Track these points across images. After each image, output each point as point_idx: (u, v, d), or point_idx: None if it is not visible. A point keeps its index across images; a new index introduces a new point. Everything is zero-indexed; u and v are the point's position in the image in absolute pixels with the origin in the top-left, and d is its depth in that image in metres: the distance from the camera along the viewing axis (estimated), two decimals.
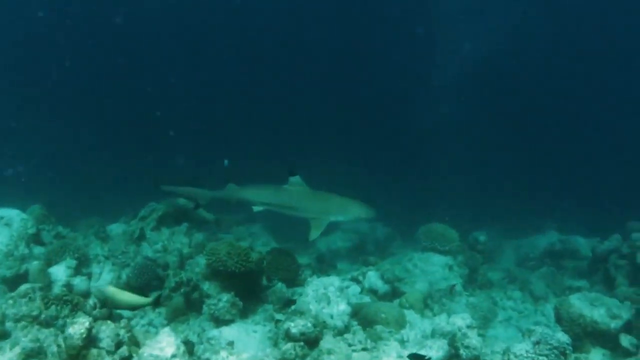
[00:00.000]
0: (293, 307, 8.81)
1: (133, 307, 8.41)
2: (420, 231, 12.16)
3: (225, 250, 9.36)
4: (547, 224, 16.41)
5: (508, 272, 13.51)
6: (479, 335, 9.29)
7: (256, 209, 10.25)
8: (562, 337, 7.38)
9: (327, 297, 8.58)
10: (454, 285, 9.85)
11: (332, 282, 8.87)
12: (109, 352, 7.05)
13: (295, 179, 9.67)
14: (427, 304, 10.39)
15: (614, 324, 8.67)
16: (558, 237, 15.12)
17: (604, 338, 8.73)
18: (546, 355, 7.16)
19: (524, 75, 26.73)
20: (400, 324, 8.78)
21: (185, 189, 10.04)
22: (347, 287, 10.25)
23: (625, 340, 8.43)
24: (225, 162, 16.65)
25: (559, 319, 9.07)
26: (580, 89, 26.80)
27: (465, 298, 10.82)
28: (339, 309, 8.49)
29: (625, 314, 8.74)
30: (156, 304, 8.58)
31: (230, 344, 7.61)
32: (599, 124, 26.42)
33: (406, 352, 7.38)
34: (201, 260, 10.14)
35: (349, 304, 8.74)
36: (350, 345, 7.50)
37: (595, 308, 8.87)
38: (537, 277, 12.71)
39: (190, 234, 12.43)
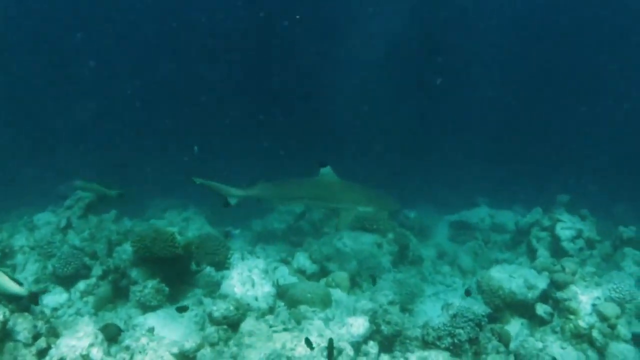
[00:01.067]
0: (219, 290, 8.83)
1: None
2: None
3: (151, 237, 9.25)
4: (479, 199, 16.80)
5: (439, 248, 13.80)
6: (406, 310, 9.61)
7: (289, 203, 10.09)
8: (478, 310, 7.64)
9: (251, 279, 8.63)
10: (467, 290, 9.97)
11: (257, 264, 8.93)
12: (25, 345, 6.93)
13: (326, 170, 9.47)
14: (356, 281, 10.57)
15: (530, 294, 8.99)
16: (488, 212, 15.54)
17: (522, 308, 9.04)
18: (462, 327, 7.40)
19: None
20: (326, 302, 8.88)
21: (217, 185, 9.76)
22: (276, 268, 10.35)
23: (541, 309, 8.74)
24: (195, 148, 16.60)
25: (480, 292, 9.32)
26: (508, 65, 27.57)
27: (392, 274, 11.02)
28: (264, 290, 8.56)
29: (542, 284, 9.06)
30: (32, 297, 7.99)
31: (151, 330, 7.59)
32: (527, 95, 27.26)
33: (328, 331, 7.50)
34: (129, 248, 10.00)
35: (274, 285, 8.80)
36: (271, 326, 7.57)
37: (513, 280, 9.16)
38: (465, 251, 13.04)
39: (120, 220, 12.32)
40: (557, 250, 11.56)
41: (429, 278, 11.95)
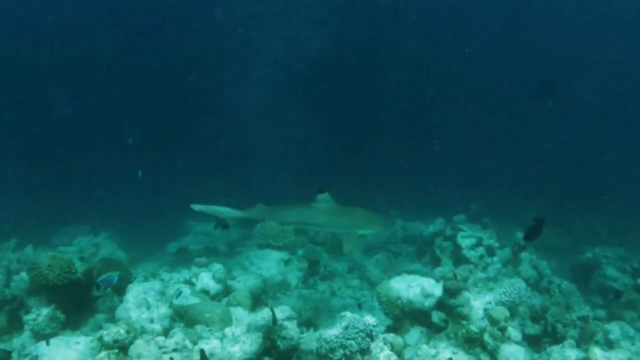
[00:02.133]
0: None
1: None
2: (256, 229, 12.34)
3: (46, 264, 9.04)
4: (391, 212, 17.14)
5: (351, 262, 13.96)
6: (311, 325, 9.67)
7: (286, 228, 9.92)
8: (369, 320, 7.76)
9: (146, 301, 8.53)
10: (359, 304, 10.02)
11: (153, 286, 8.86)
12: None
13: (324, 196, 9.59)
14: (262, 299, 10.58)
15: (427, 303, 9.19)
16: (400, 224, 15.85)
17: (420, 317, 9.22)
18: (354, 339, 7.49)
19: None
20: (226, 321, 8.86)
21: (215, 208, 9.55)
22: (179, 289, 10.27)
23: (436, 317, 8.95)
24: (139, 172, 16.33)
25: (380, 302, 9.48)
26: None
27: (297, 291, 11.09)
28: (160, 312, 8.48)
29: (438, 292, 9.28)
30: None
31: (34, 358, 7.40)
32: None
33: (219, 350, 7.49)
34: (26, 276, 9.75)
35: (171, 306, 8.73)
36: (160, 347, 7.49)
37: (411, 289, 9.35)
38: (374, 264, 13.24)
39: (22, 249, 11.99)
40: (459, 259, 11.92)
41: (338, 292, 12.07)
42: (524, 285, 9.51)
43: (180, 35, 28.32)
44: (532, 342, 8.99)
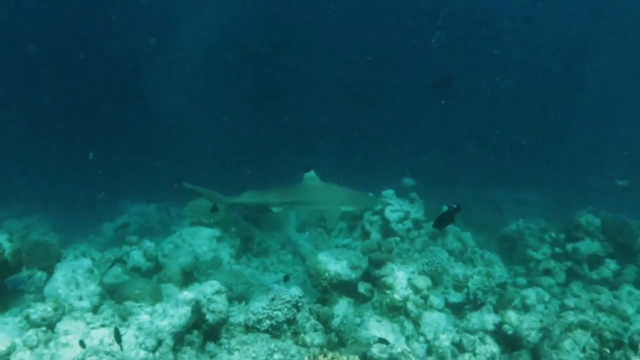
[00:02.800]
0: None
1: None
2: (187, 207, 12.40)
3: None
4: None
5: (286, 238, 14.15)
6: (242, 299, 9.82)
7: (276, 209, 9.91)
8: (295, 292, 8.00)
9: (75, 279, 8.54)
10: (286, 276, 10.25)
11: (82, 264, 8.84)
12: None
13: (310, 174, 9.59)
14: (193, 276, 10.69)
15: (354, 274, 9.49)
16: None
17: (347, 288, 9.51)
18: (280, 309, 7.73)
19: None
20: (156, 297, 8.95)
21: (206, 191, 9.40)
22: (111, 267, 10.28)
23: (362, 287, 9.28)
24: (90, 155, 15.83)
25: (309, 275, 9.72)
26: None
27: (229, 267, 11.23)
28: (89, 289, 8.50)
29: (364, 264, 9.60)
30: None
31: None
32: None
33: (150, 325, 7.59)
34: None
35: (100, 284, 8.76)
36: (88, 323, 7.55)
37: (339, 262, 9.63)
38: (305, 239, 13.48)
39: None
40: (388, 232, 12.27)
41: (271, 268, 12.26)
42: (446, 255, 9.95)
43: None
44: (455, 310, 9.38)
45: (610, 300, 8.97)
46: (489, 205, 17.83)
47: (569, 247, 11.96)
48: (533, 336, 7.78)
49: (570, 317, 7.63)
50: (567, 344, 7.41)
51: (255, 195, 9.91)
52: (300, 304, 7.93)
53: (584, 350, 7.36)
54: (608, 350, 7.29)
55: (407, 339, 8.46)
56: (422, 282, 9.00)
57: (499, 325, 8.17)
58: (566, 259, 11.87)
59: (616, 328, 7.57)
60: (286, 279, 9.66)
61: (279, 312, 7.68)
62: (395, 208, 12.49)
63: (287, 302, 7.75)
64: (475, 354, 7.75)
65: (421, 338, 8.51)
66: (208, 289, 8.17)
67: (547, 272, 11.53)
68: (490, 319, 8.43)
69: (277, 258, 12.82)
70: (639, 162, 22.21)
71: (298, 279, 11.61)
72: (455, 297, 9.76)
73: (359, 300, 9.34)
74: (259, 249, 12.94)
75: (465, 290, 9.93)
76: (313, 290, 9.64)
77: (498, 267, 11.00)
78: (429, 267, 9.40)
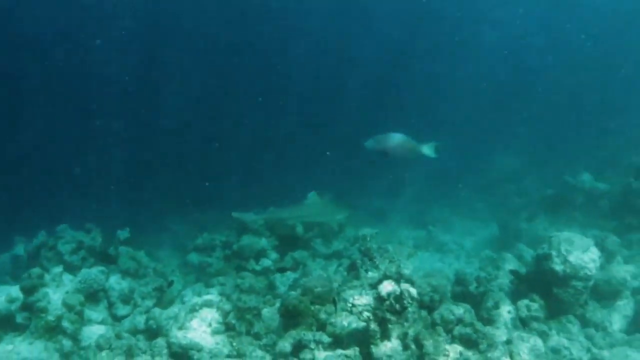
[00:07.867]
0: None
1: None
2: None
3: None
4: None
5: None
6: None
7: (289, 221, 12.56)
8: None
9: None
10: None
11: None
12: None
13: (312, 194, 11.52)
14: None
15: (13, 307, 9.71)
16: None
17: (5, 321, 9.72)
18: None
19: None
20: None
21: (246, 215, 11.59)
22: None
23: (19, 317, 9.55)
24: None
25: None
26: None
27: None
28: None
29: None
30: None
31: None
32: None
33: None
34: None
35: None
36: None
37: None
38: None
39: None
40: (66, 264, 12.45)
41: None
42: (96, 271, 10.67)
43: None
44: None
45: None
46: None
47: None
48: None
49: None
50: None
51: (274, 212, 11.80)
52: None
53: None
54: None
55: None
56: (74, 299, 9.66)
57: None
58: None
59: None
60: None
61: None
62: (67, 240, 12.66)
63: None
64: None
65: None
66: None
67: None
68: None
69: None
70: None
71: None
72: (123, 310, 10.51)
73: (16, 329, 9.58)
74: None
75: (133, 302, 10.76)
76: None
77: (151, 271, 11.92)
78: (82, 284, 10.07)
